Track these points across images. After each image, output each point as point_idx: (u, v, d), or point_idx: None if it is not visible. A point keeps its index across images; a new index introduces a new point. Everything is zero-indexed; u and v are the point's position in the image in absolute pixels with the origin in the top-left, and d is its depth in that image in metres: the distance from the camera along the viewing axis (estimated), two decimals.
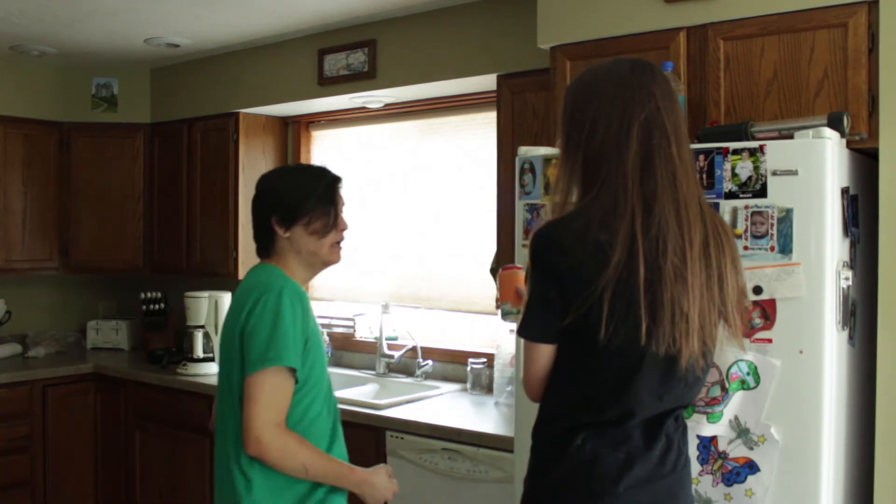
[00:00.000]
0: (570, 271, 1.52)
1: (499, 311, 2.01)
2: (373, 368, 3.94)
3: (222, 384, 2.00)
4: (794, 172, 1.95)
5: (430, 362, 3.78)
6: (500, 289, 1.99)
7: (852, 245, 2.09)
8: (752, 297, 1.97)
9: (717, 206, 2.00)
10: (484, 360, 3.55)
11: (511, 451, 2.56)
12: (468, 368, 3.57)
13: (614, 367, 1.53)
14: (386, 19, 3.63)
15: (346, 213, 2.10)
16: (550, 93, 2.75)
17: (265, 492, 1.91)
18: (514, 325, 2.01)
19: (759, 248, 1.97)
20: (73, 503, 4.26)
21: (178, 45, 4.12)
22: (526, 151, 2.41)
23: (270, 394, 1.85)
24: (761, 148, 1.98)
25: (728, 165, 2.01)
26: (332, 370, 3.32)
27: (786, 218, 1.95)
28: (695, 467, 1.97)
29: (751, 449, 1.98)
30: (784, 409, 1.96)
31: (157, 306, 4.56)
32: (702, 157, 2.04)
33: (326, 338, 4.01)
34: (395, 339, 3.89)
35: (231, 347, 1.94)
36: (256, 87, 4.16)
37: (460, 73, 3.43)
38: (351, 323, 4.17)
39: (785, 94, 2.29)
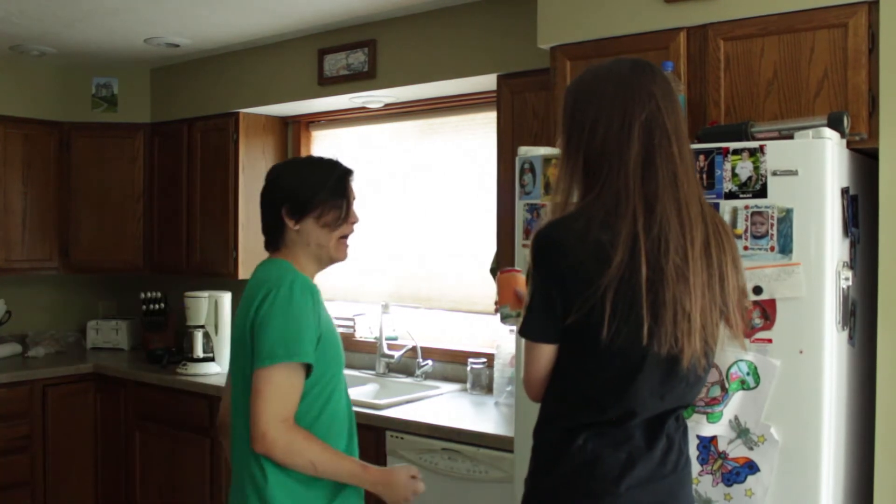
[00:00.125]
0: (572, 271, 1.52)
1: (498, 314, 2.00)
2: (373, 368, 3.94)
3: (236, 381, 1.97)
4: (794, 172, 1.95)
5: (430, 362, 3.78)
6: (499, 291, 1.98)
7: (852, 245, 2.09)
8: (752, 297, 1.97)
9: (717, 206, 2.00)
10: (484, 360, 3.55)
11: (511, 451, 2.56)
12: (468, 368, 3.57)
13: (616, 366, 1.53)
14: (386, 19, 3.63)
15: (357, 207, 2.08)
16: (550, 93, 2.75)
17: (281, 490, 1.88)
18: (513, 327, 2.01)
19: (759, 248, 1.97)
20: (73, 503, 4.27)
21: (178, 45, 4.12)
22: (526, 151, 2.41)
23: (278, 389, 1.82)
24: (761, 148, 1.98)
25: (728, 165, 2.01)
26: None
27: (786, 218, 1.95)
28: (695, 467, 1.97)
29: (751, 449, 1.98)
30: (784, 409, 1.96)
31: (157, 306, 4.56)
32: (702, 157, 2.04)
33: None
34: (395, 339, 3.89)
35: (243, 343, 1.92)
36: (256, 87, 4.16)
37: (460, 73, 3.43)
38: (351, 323, 4.17)
39: (785, 94, 2.29)
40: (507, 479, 2.70)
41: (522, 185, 2.39)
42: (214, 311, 4.14)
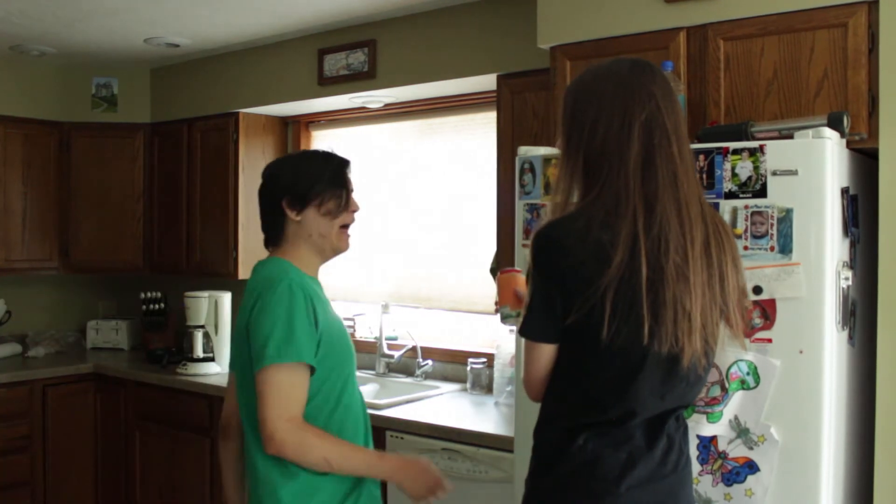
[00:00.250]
0: (572, 271, 1.52)
1: (498, 314, 2.00)
2: (373, 368, 3.94)
3: (241, 384, 1.97)
4: (794, 172, 1.95)
5: (430, 362, 3.78)
6: (499, 292, 1.98)
7: (852, 245, 2.09)
8: (752, 297, 1.97)
9: (717, 206, 2.00)
10: (484, 360, 3.55)
11: (511, 451, 2.56)
12: (468, 368, 3.57)
13: (616, 366, 1.53)
14: (386, 19, 3.63)
15: (356, 196, 2.08)
16: (550, 93, 2.75)
17: (295, 489, 1.88)
18: (513, 327, 2.01)
19: (759, 248, 1.97)
20: (73, 503, 4.27)
21: (178, 45, 4.12)
22: (526, 151, 2.41)
23: (278, 390, 1.81)
24: (761, 148, 1.98)
25: (728, 165, 2.01)
26: None
27: (786, 218, 1.95)
28: (695, 467, 1.97)
29: (751, 449, 1.98)
30: (784, 409, 1.96)
31: (157, 306, 4.56)
32: (702, 157, 2.04)
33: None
34: (395, 339, 3.89)
35: (242, 345, 1.92)
36: (256, 87, 4.16)
37: (460, 73, 3.43)
38: (351, 323, 4.17)
39: (785, 94, 2.29)
40: (507, 479, 2.70)
41: (522, 185, 2.39)
42: (214, 311, 4.14)
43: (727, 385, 1.99)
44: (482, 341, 3.75)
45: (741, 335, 1.71)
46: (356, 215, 2.05)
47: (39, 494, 4.14)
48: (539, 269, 1.57)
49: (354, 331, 4.16)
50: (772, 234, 1.96)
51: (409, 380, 3.77)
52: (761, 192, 1.98)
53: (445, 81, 3.51)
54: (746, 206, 1.99)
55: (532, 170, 2.36)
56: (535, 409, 1.68)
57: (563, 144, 1.63)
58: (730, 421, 2.00)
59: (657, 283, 1.49)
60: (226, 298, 4.18)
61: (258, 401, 1.83)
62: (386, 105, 4.01)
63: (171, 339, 4.53)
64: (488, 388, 3.50)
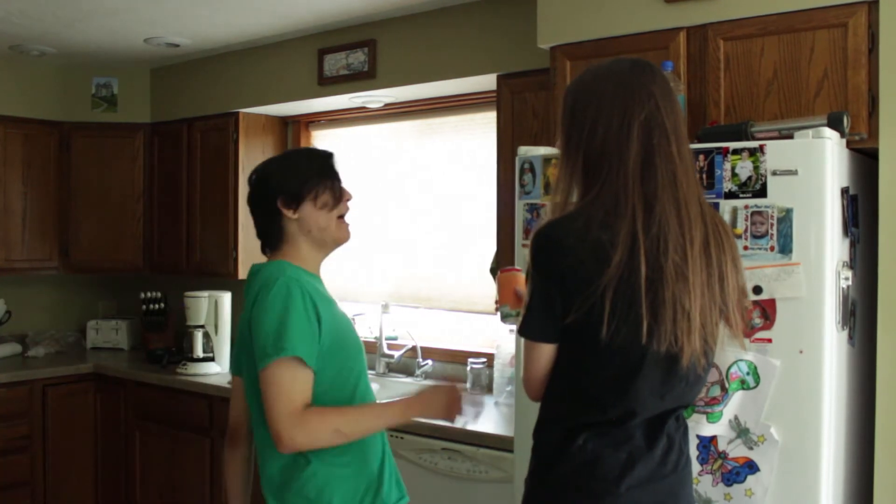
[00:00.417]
0: (571, 271, 1.52)
1: (498, 313, 2.00)
2: (373, 368, 3.94)
3: (249, 389, 1.96)
4: (794, 172, 1.95)
5: (429, 362, 3.78)
6: (499, 291, 1.98)
7: (852, 245, 2.09)
8: (752, 297, 1.97)
9: (717, 206, 2.00)
10: (484, 360, 3.55)
11: (511, 451, 2.56)
12: (468, 368, 3.57)
13: (615, 366, 1.53)
14: (386, 19, 3.63)
15: (347, 185, 2.07)
16: (550, 93, 2.75)
17: (318, 484, 1.88)
18: (513, 326, 2.01)
19: (759, 248, 1.97)
20: (72, 503, 4.26)
21: (178, 45, 4.12)
22: (526, 151, 2.41)
23: (279, 387, 1.80)
24: (761, 148, 1.98)
25: (728, 165, 2.01)
26: None
27: (786, 218, 1.95)
28: (695, 467, 1.97)
29: (750, 449, 1.98)
30: (784, 409, 1.96)
31: (156, 306, 4.56)
32: (702, 157, 2.04)
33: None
34: (395, 339, 3.89)
35: (245, 349, 1.93)
36: (256, 87, 4.16)
37: (460, 73, 3.43)
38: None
39: (785, 94, 2.29)
40: (507, 479, 2.70)
41: (522, 185, 2.39)
42: (214, 310, 4.14)
43: (727, 385, 1.99)
44: (482, 341, 3.75)
45: (740, 335, 1.71)
46: (350, 204, 2.05)
47: (39, 494, 4.14)
48: (538, 268, 1.57)
49: None
50: (772, 234, 1.96)
51: (409, 380, 3.77)
52: (761, 192, 1.97)
53: (445, 81, 3.51)
54: (746, 206, 1.99)
55: (532, 170, 2.36)
56: (534, 409, 1.68)
57: (563, 144, 1.63)
58: (730, 421, 2.00)
59: (656, 282, 1.49)
60: (226, 298, 4.18)
61: (263, 401, 1.83)
62: (386, 105, 4.01)
63: (171, 339, 4.53)
64: (488, 388, 3.50)
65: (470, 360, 3.58)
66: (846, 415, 2.07)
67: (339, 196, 2.01)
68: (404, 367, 3.86)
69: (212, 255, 4.32)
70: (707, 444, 2.03)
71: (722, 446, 2.01)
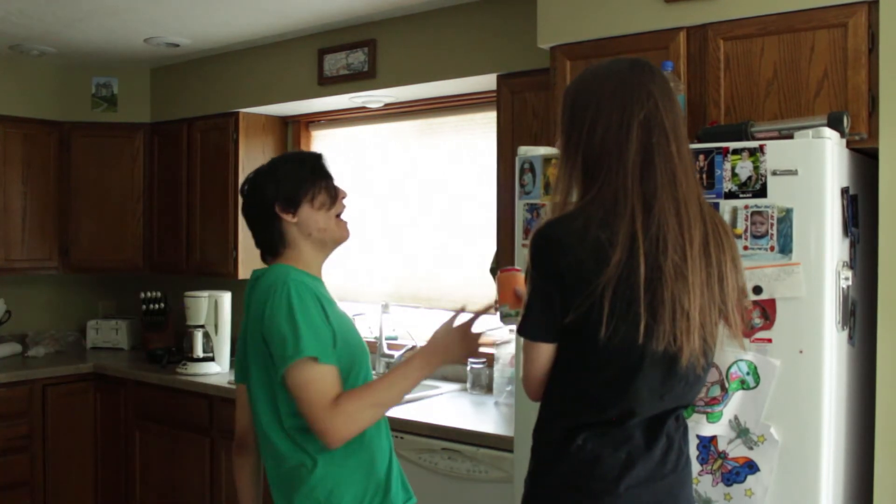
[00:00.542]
0: (571, 270, 1.52)
1: (497, 314, 2.00)
2: (373, 368, 3.94)
3: (254, 395, 1.95)
4: (794, 172, 1.95)
5: None
6: (499, 291, 1.98)
7: (852, 245, 2.09)
8: (752, 297, 1.97)
9: (717, 205, 2.00)
10: (484, 359, 3.55)
11: (511, 451, 2.56)
12: (468, 368, 3.57)
13: (615, 365, 1.53)
14: (386, 19, 3.63)
15: (340, 184, 2.07)
16: (550, 93, 2.75)
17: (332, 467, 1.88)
18: (513, 327, 2.01)
19: (759, 248, 1.97)
20: (72, 503, 4.26)
21: (178, 45, 4.12)
22: (526, 151, 2.41)
23: (307, 386, 1.80)
24: (761, 148, 1.98)
25: (728, 165, 2.01)
26: None
27: (786, 218, 1.95)
28: (695, 467, 1.97)
29: (750, 449, 1.98)
30: (784, 408, 1.96)
31: (156, 306, 4.56)
32: (702, 157, 2.04)
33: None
34: (395, 339, 3.89)
35: (252, 355, 1.92)
36: (256, 86, 4.16)
37: (460, 73, 3.43)
38: None
39: (785, 94, 2.29)
40: (507, 479, 2.70)
41: (522, 185, 2.39)
42: (214, 310, 4.14)
43: (727, 385, 1.99)
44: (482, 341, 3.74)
45: (740, 335, 1.71)
46: (346, 202, 2.05)
47: (39, 494, 4.14)
48: (538, 268, 1.57)
49: None
50: (772, 234, 1.96)
51: None
52: (761, 192, 1.97)
53: (445, 81, 3.51)
54: (746, 206, 1.99)
55: (532, 170, 2.36)
56: (535, 409, 1.68)
57: (563, 144, 1.63)
58: (730, 421, 2.00)
59: (655, 282, 1.49)
60: (226, 298, 4.18)
61: (297, 405, 1.82)
62: (386, 105, 4.01)
63: (170, 339, 4.53)
64: (488, 388, 3.50)
65: (470, 359, 3.58)
66: (846, 415, 2.07)
67: (334, 195, 2.01)
68: None
69: (212, 254, 4.32)
70: (707, 444, 2.03)
71: (722, 446, 2.01)
